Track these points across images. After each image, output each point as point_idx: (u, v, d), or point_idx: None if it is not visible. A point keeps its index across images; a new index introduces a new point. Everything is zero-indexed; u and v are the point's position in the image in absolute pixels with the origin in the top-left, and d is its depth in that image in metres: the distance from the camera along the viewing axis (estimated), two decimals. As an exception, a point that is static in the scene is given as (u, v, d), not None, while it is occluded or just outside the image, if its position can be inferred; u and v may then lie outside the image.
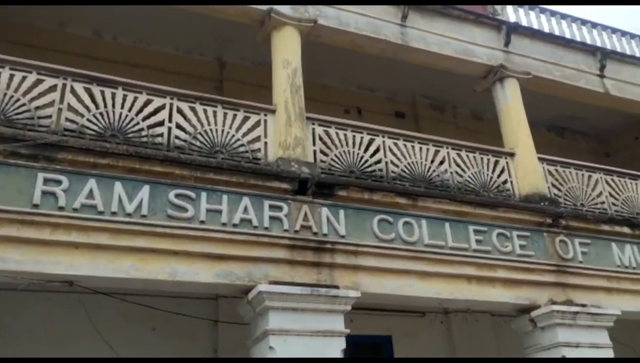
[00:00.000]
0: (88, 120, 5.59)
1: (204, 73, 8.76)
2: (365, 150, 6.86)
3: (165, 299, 6.58)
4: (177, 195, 5.45)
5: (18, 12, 7.75)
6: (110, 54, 8.14)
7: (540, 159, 7.91)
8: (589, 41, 9.68)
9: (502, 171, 7.61)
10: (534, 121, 8.80)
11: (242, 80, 8.79)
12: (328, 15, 7.43)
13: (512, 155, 7.78)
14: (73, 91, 5.66)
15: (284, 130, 6.40)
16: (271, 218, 5.76)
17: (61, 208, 4.95)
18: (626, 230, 7.67)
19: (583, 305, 6.78)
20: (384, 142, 7.04)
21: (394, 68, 9.12)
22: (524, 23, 9.29)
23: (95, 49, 8.12)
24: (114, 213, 5.12)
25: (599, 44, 9.77)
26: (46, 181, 4.99)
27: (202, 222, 5.44)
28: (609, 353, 6.65)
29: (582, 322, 6.63)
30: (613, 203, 8.09)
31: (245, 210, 5.68)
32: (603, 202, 8.02)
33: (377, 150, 6.93)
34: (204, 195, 5.56)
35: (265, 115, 6.52)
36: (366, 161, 6.79)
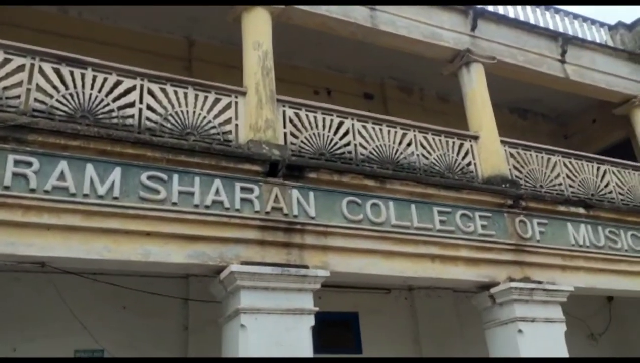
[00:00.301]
0: (57, 100, 5.55)
1: (173, 52, 8.71)
2: (335, 133, 6.98)
3: (136, 278, 6.68)
4: (149, 177, 5.50)
5: (-21, -15, 7.52)
6: (76, 30, 8.01)
7: (502, 141, 8.19)
8: (551, 26, 9.96)
9: (466, 153, 7.85)
10: (497, 103, 9.09)
11: (211, 60, 8.78)
12: (298, -2, 7.46)
13: (476, 138, 8.03)
14: (42, 71, 5.59)
15: (255, 113, 6.46)
16: (242, 199, 5.87)
17: (32, 190, 4.95)
18: (581, 210, 8.06)
19: (539, 282, 7.15)
20: (353, 124, 7.18)
21: (363, 50, 9.21)
22: (490, 7, 9.49)
23: (61, 25, 7.98)
24: (85, 195, 5.15)
25: (561, 29, 10.07)
26: (17, 163, 4.97)
27: (175, 204, 5.52)
28: (562, 327, 7.05)
29: (538, 298, 7.00)
30: (570, 185, 8.46)
31: (217, 192, 5.77)
32: (561, 184, 8.38)
33: (346, 133, 7.07)
34: (176, 177, 5.62)
35: (237, 97, 6.57)
36: (336, 143, 6.92)
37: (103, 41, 8.06)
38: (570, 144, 11.93)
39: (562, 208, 7.92)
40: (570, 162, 8.71)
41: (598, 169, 8.92)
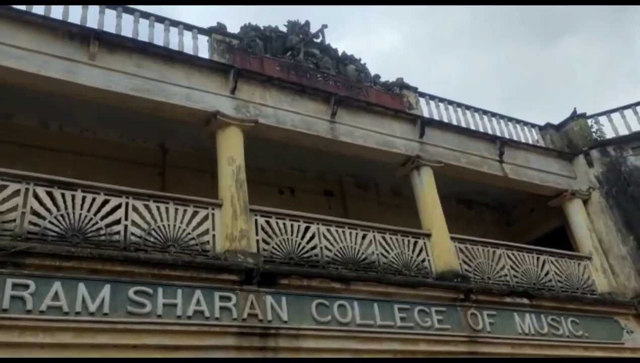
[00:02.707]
0: (50, 222, 6.04)
1: (148, 160, 9.27)
2: (302, 237, 7.67)
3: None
4: (136, 292, 5.96)
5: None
6: (57, 143, 8.50)
7: (452, 238, 9.04)
8: (489, 128, 11.16)
9: (420, 251, 8.64)
10: (445, 195, 9.98)
11: (183, 166, 9.39)
12: (267, 115, 8.32)
13: (428, 236, 8.85)
14: (35, 195, 6.09)
15: (231, 224, 7.09)
16: (221, 308, 6.39)
17: (29, 312, 5.35)
18: (525, 301, 8.87)
19: (491, 372, 7.80)
20: (318, 229, 7.89)
21: (323, 151, 10.08)
22: (435, 113, 10.63)
23: (42, 138, 8.45)
24: (77, 313, 5.56)
25: (497, 131, 11.27)
26: (15, 286, 5.38)
27: (159, 316, 5.98)
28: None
29: (489, 387, 7.62)
30: (514, 275, 9.32)
31: (198, 302, 6.27)
32: (506, 275, 9.23)
33: (312, 237, 7.76)
34: (160, 290, 6.11)
35: (213, 209, 7.20)
36: (303, 247, 7.58)
37: (82, 152, 8.60)
38: (513, 230, 12.99)
39: (508, 299, 8.71)
40: (513, 254, 9.62)
41: (538, 258, 9.86)
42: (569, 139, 11.89)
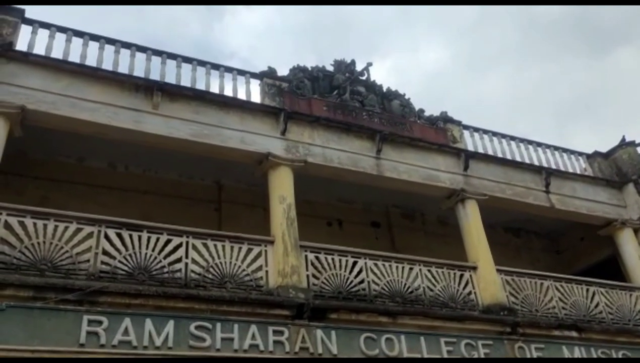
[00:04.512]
0: (120, 261, 6.62)
1: (204, 196, 9.85)
2: (350, 272, 8.01)
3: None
4: (197, 327, 6.45)
5: (40, 148, 8.72)
6: (123, 182, 9.20)
7: (499, 270, 9.16)
8: (535, 159, 11.22)
9: (466, 284, 8.81)
10: (492, 224, 10.09)
11: (238, 201, 9.93)
12: (315, 153, 8.76)
13: (474, 268, 9.02)
14: (106, 236, 6.70)
15: (282, 260, 7.52)
16: (275, 342, 6.79)
17: (102, 346, 5.90)
18: (574, 333, 8.87)
19: (541, 407, 7.86)
20: (365, 263, 8.22)
21: (369, 185, 10.43)
22: (479, 145, 10.80)
23: (110, 179, 9.17)
24: (145, 347, 6.08)
25: (544, 161, 11.32)
26: (90, 322, 5.95)
27: (218, 350, 6.44)
28: None
29: (540, 421, 7.68)
30: (563, 307, 9.33)
31: (253, 336, 6.70)
32: (554, 307, 9.25)
33: (360, 271, 8.09)
34: (218, 325, 6.57)
35: (266, 246, 7.65)
36: (351, 282, 7.92)
37: (145, 190, 9.27)
38: (562, 259, 12.90)
39: (556, 332, 8.74)
40: (562, 285, 9.63)
41: (587, 290, 9.81)
42: (618, 167, 11.80)
